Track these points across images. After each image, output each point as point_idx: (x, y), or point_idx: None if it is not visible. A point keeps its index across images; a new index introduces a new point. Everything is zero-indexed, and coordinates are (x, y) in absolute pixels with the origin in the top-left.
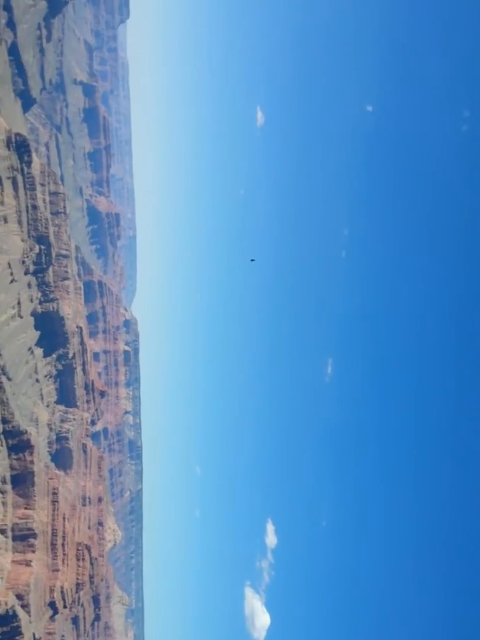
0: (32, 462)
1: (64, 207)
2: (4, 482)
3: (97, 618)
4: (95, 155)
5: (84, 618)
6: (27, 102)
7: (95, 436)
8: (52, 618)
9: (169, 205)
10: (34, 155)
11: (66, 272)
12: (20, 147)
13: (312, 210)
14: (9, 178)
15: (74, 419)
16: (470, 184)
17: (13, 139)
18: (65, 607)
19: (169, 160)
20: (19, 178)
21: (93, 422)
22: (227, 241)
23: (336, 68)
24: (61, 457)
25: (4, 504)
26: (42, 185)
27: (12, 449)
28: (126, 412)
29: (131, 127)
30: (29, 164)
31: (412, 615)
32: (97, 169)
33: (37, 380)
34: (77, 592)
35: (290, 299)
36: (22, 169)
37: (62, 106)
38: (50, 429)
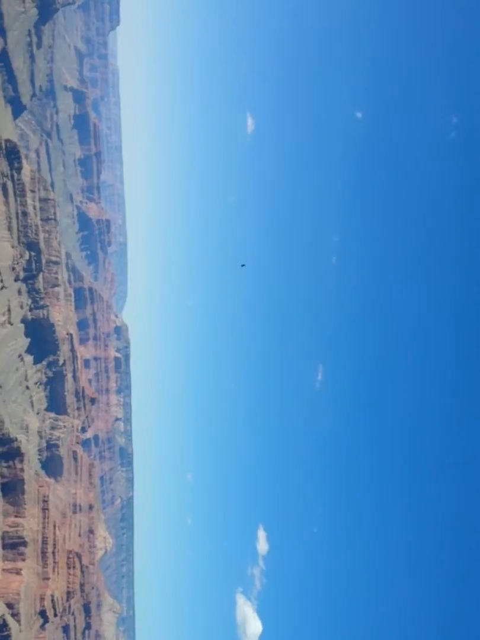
0: (22, 469)
1: (54, 213)
2: None
3: (88, 626)
4: (85, 161)
5: (75, 627)
6: (17, 108)
7: (85, 443)
8: (42, 627)
9: (159, 212)
10: (24, 161)
11: (56, 278)
12: (11, 153)
13: (302, 216)
14: None
15: (65, 426)
16: (459, 190)
17: (3, 145)
18: (55, 615)
19: (160, 167)
20: (9, 184)
21: (83, 430)
22: (218, 247)
23: (326, 75)
24: (51, 465)
25: None
26: (32, 191)
27: (1, 457)
28: (117, 419)
29: (121, 134)
30: (19, 170)
31: (404, 620)
32: (87, 175)
33: (27, 388)
34: (67, 600)
35: (281, 305)
36: (12, 176)
37: (52, 112)
38: (41, 437)
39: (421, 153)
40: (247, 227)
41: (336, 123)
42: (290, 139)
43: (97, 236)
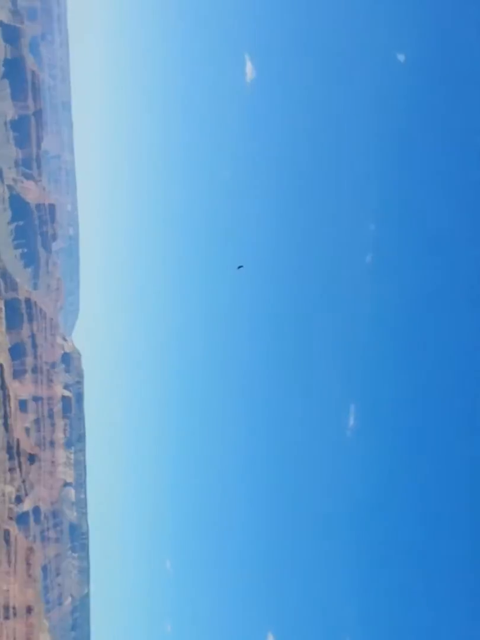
0: None
1: None
2: None
3: None
4: (20, 124)
5: None
6: None
7: (22, 519)
8: None
9: (123, 193)
10: None
11: None
12: None
13: (324, 198)
14: None
15: None
16: None
17: None
18: None
19: (124, 129)
20: None
21: (19, 500)
22: (209, 242)
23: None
24: None
25: None
26: None
27: None
28: (66, 485)
29: (71, 85)
30: None
31: None
32: (23, 143)
33: None
34: None
35: (296, 323)
36: None
37: None
38: None
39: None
40: (247, 210)
41: (369, 67)
42: (302, 90)
43: (37, 227)
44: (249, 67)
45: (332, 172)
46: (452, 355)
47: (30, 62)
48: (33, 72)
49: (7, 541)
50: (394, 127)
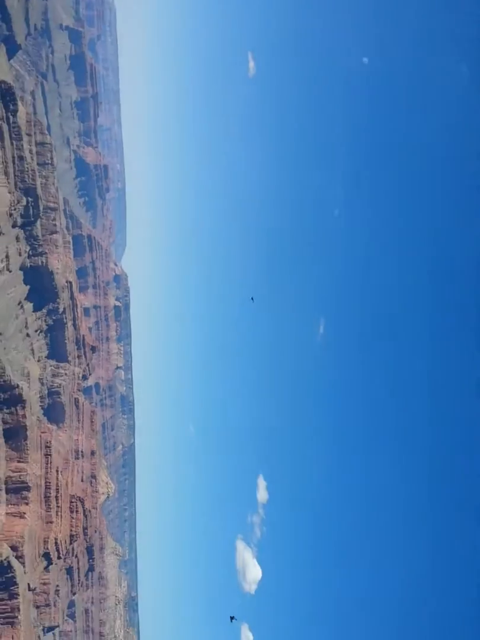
0: (24, 416)
1: (51, 158)
2: None
3: (91, 568)
4: (82, 104)
5: (78, 569)
6: (12, 48)
7: (87, 391)
8: (46, 569)
9: (159, 156)
10: (19, 103)
11: (54, 225)
12: (6, 95)
13: (306, 165)
14: None
15: (66, 374)
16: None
17: None
18: (59, 558)
19: (159, 109)
20: (5, 128)
21: (85, 377)
22: (221, 194)
23: (334, 12)
24: (53, 412)
25: None
26: (29, 135)
27: (4, 403)
28: (118, 368)
29: (119, 75)
30: (14, 113)
31: (399, 565)
32: (84, 118)
33: (28, 335)
34: (71, 543)
35: (283, 254)
36: (7, 118)
37: (47, 53)
38: (42, 384)
39: (431, 102)
40: (250, 172)
41: (342, 67)
42: (295, 83)
43: (95, 182)
44: (251, 65)
45: (313, 147)
46: (401, 280)
47: (89, 57)
48: (91, 65)
49: (76, 406)
50: (360, 115)
